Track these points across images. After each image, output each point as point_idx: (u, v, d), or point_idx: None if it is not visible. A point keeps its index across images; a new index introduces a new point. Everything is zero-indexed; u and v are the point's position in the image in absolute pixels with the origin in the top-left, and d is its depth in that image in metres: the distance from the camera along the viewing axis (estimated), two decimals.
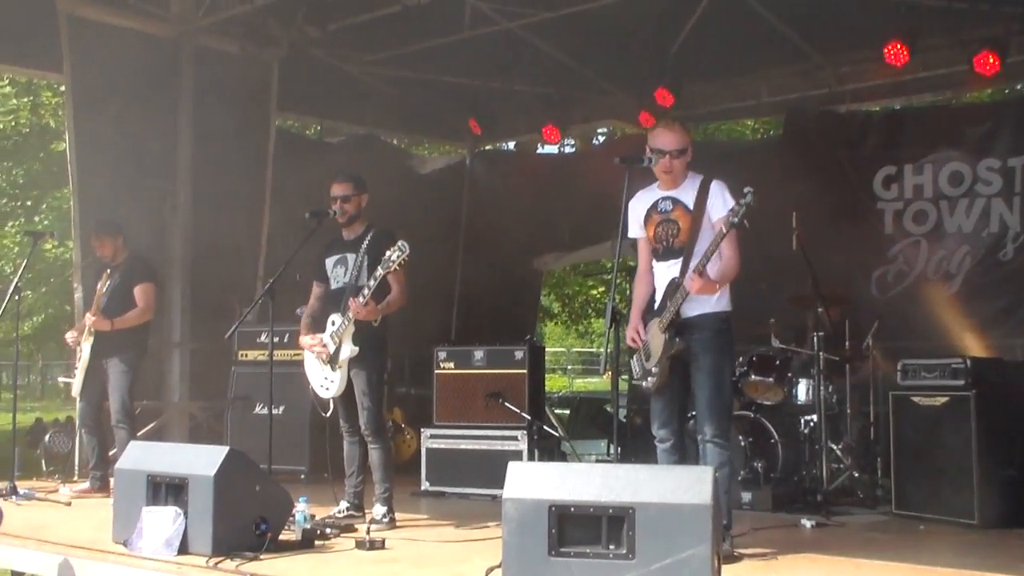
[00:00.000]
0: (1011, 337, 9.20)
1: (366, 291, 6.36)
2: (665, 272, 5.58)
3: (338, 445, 6.90)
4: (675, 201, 5.57)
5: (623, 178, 10.47)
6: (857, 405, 8.04)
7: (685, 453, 5.69)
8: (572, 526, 4.26)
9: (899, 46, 8.94)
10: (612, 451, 10.28)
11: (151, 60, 9.71)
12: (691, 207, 5.49)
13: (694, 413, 5.68)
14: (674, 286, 5.48)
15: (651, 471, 4.52)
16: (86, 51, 9.35)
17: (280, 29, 10.05)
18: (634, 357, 5.73)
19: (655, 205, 5.63)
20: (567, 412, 13.79)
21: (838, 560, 5.36)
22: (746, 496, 7.28)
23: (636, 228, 5.70)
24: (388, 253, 6.23)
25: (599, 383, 32.81)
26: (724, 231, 5.26)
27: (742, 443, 7.52)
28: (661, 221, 5.58)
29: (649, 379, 5.58)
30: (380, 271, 6.28)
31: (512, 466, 4.48)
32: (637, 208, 5.67)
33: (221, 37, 10.08)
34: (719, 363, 5.50)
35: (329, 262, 6.83)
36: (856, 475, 7.73)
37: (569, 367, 38.94)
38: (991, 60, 8.93)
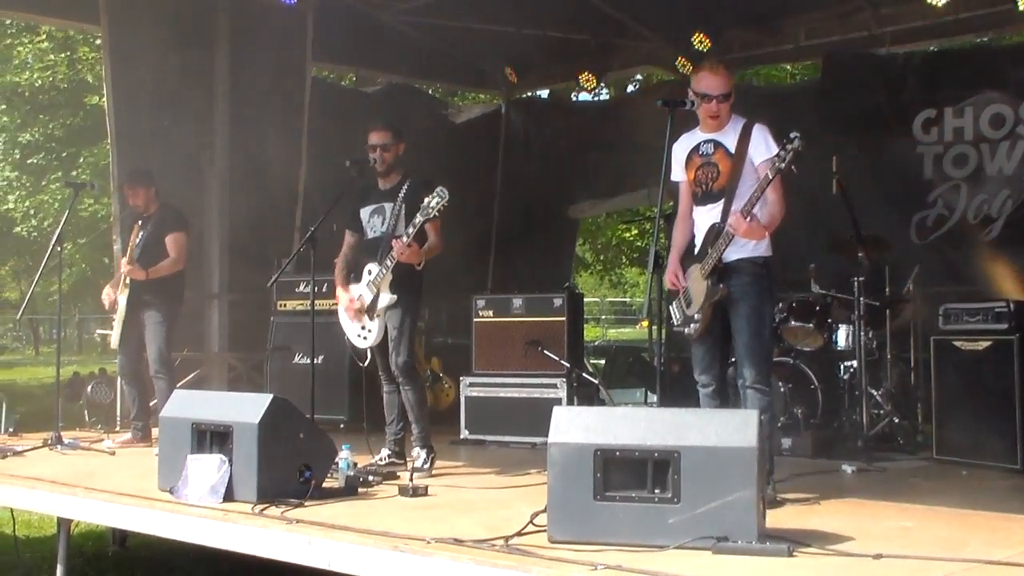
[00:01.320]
0: None
1: (405, 238, 6.36)
2: (705, 216, 5.53)
3: (375, 395, 6.98)
4: (716, 144, 5.49)
5: (659, 125, 10.43)
6: (897, 351, 8.00)
7: (727, 398, 5.67)
8: (617, 470, 4.27)
9: None
10: (648, 399, 10.34)
11: (187, 10, 9.76)
12: (732, 150, 5.41)
13: (734, 359, 5.63)
14: (715, 231, 5.42)
15: (696, 415, 4.52)
16: (122, 3, 9.38)
17: None
18: (673, 303, 5.71)
19: (696, 148, 5.56)
20: (602, 361, 13.78)
21: (881, 504, 5.35)
22: (786, 442, 7.28)
23: (678, 171, 5.64)
24: (427, 200, 6.23)
25: (633, 332, 32.93)
26: (770, 176, 5.15)
27: (782, 389, 7.51)
28: (702, 164, 5.52)
29: (692, 326, 5.54)
30: (419, 218, 6.28)
31: (557, 411, 4.50)
32: (679, 151, 5.62)
33: None
34: (759, 308, 5.43)
35: (365, 212, 6.82)
36: (896, 421, 7.70)
37: (603, 317, 38.98)
38: None
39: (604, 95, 17.21)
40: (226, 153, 10.11)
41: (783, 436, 7.28)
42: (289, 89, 10.41)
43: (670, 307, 5.74)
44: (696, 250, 5.58)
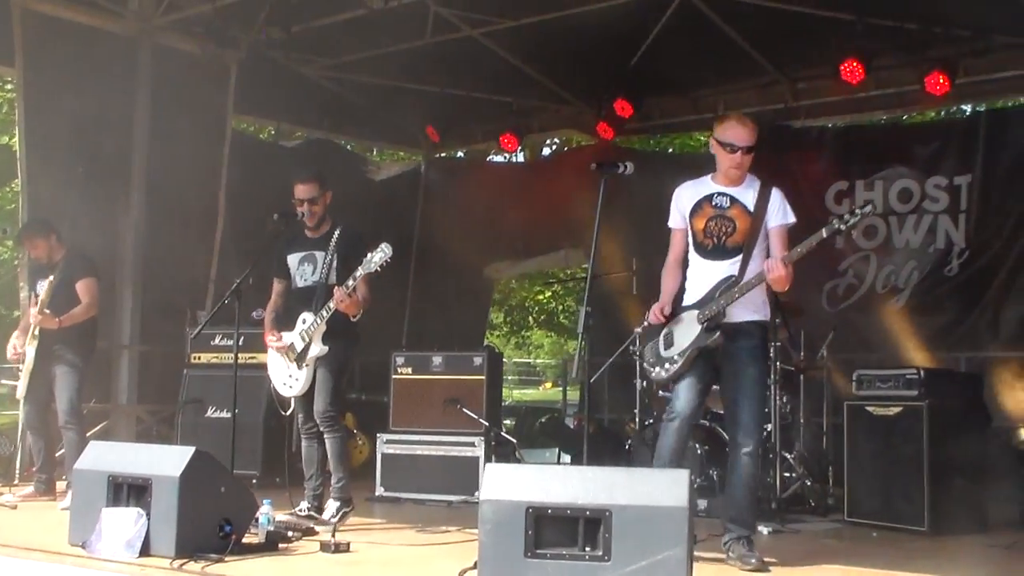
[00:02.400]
0: (956, 350, 9.39)
1: (345, 288, 6.32)
2: (710, 269, 5.46)
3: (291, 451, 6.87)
4: (733, 199, 5.43)
5: (577, 188, 10.62)
6: (809, 415, 8.16)
7: (686, 438, 5.61)
8: (549, 528, 4.28)
9: (855, 64, 9.09)
10: (561, 459, 10.37)
11: (107, 58, 9.63)
12: (751, 208, 5.38)
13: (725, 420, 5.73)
14: (729, 282, 5.37)
15: (627, 473, 4.57)
16: (40, 46, 9.21)
17: (241, 30, 9.95)
18: (648, 344, 5.67)
19: (709, 198, 5.46)
20: (509, 421, 13.80)
21: (798, 569, 5.42)
22: (702, 503, 7.34)
23: (678, 218, 5.58)
24: (370, 255, 6.24)
25: (537, 393, 32.97)
26: (824, 235, 5.15)
27: (698, 451, 7.59)
28: (715, 216, 5.42)
29: (667, 366, 5.49)
30: (360, 271, 6.27)
31: (490, 467, 4.51)
32: (684, 198, 5.55)
33: (180, 36, 9.98)
34: (764, 374, 5.53)
35: (293, 259, 6.80)
36: (808, 483, 7.83)
37: (508, 377, 39.02)
38: (941, 80, 9.13)
39: (520, 156, 17.39)
40: (142, 202, 9.93)
41: (699, 497, 7.34)
42: (209, 140, 10.29)
43: (642, 348, 5.80)
44: (693, 300, 5.52)
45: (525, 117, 11.64)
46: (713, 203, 5.43)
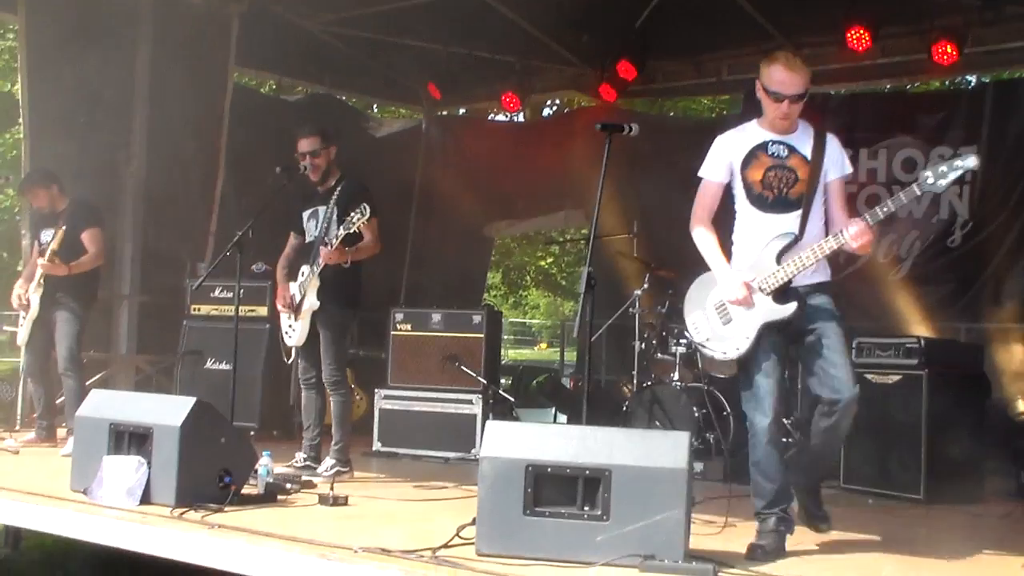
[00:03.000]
0: (956, 320, 9.42)
1: (334, 241, 6.43)
2: (770, 224, 4.80)
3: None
4: (791, 148, 4.81)
5: (579, 149, 10.58)
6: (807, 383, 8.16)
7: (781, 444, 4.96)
8: (548, 486, 4.30)
9: (861, 31, 9.05)
10: (558, 419, 10.41)
11: (110, 8, 9.54)
12: (809, 157, 4.78)
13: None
14: (789, 241, 4.73)
15: (627, 435, 4.59)
16: None
17: None
18: (692, 314, 4.98)
19: (764, 146, 4.83)
20: (506, 380, 13.83)
21: (796, 529, 5.44)
22: (699, 466, 7.37)
23: (721, 169, 4.89)
24: (352, 214, 6.28)
25: (531, 353, 33.09)
26: (918, 192, 4.56)
27: (695, 414, 7.62)
28: (774, 166, 4.79)
29: (731, 345, 4.78)
30: (341, 230, 6.34)
31: (490, 425, 4.52)
32: (730, 147, 4.90)
33: None
34: (846, 334, 4.83)
35: (305, 214, 6.89)
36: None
37: (504, 337, 39.08)
38: (949, 50, 9.07)
39: (521, 116, 17.33)
40: (143, 153, 9.92)
41: (696, 460, 7.37)
42: (210, 93, 10.26)
43: (688, 326, 5.03)
44: (748, 261, 4.86)
45: (528, 77, 11.55)
46: (769, 152, 4.82)
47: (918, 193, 4.54)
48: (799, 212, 4.75)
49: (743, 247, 4.88)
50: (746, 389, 4.84)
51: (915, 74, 10.41)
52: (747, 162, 4.84)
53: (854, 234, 4.56)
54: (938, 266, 9.77)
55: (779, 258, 4.72)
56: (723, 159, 4.89)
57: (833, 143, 4.84)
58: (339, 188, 6.70)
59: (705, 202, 4.95)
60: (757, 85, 4.81)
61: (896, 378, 6.85)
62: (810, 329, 4.73)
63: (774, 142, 4.82)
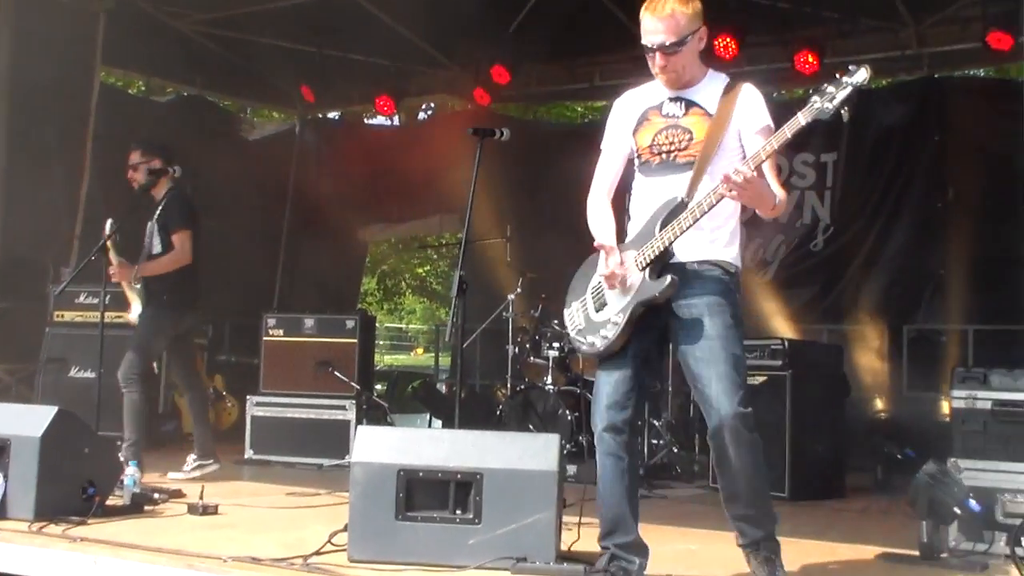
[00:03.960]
0: (819, 322, 9.75)
1: (151, 253, 6.93)
2: (656, 189, 4.13)
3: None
4: (689, 104, 4.12)
5: (453, 153, 10.60)
6: (678, 384, 8.33)
7: (635, 453, 4.43)
8: (420, 491, 4.32)
9: (728, 39, 9.26)
10: (432, 424, 10.41)
11: None
12: (712, 111, 4.08)
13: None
14: (674, 206, 4.03)
15: (498, 438, 4.62)
16: None
17: None
18: (573, 304, 4.31)
19: (659, 107, 4.17)
20: (381, 386, 13.79)
21: (666, 528, 5.55)
22: (571, 469, 7.45)
23: (618, 137, 4.28)
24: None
25: (408, 359, 33.02)
26: (802, 121, 3.78)
27: (569, 417, 7.70)
28: (666, 128, 4.12)
29: (601, 334, 4.10)
30: (157, 244, 6.95)
31: (361, 430, 4.52)
32: (626, 109, 4.28)
33: None
34: (734, 327, 4.02)
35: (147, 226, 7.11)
36: (675, 451, 8.02)
37: (380, 342, 38.89)
38: (811, 59, 9.39)
39: (396, 120, 17.28)
40: (3, 152, 9.58)
41: (569, 463, 7.46)
42: (75, 91, 9.96)
43: (564, 311, 4.36)
44: (632, 235, 4.20)
45: (402, 80, 11.54)
46: (663, 111, 4.15)
47: (802, 122, 3.77)
48: (688, 174, 4.04)
49: (633, 220, 4.23)
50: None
51: (780, 83, 10.67)
52: (639, 125, 4.21)
53: (725, 179, 3.79)
54: (802, 269, 10.08)
55: (661, 226, 4.02)
56: (617, 124, 4.29)
57: (748, 93, 4.10)
58: (163, 202, 6.88)
59: (601, 174, 4.33)
60: None
61: (761, 379, 7.02)
62: (688, 331, 4.01)
63: (671, 99, 4.15)
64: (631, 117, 4.24)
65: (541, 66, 11.27)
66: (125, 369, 6.78)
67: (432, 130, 13.88)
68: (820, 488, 6.90)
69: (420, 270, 25.20)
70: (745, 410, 3.97)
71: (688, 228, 3.94)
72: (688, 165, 4.07)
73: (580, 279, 4.35)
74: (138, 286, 6.90)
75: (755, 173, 3.78)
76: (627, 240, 4.18)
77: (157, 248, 6.88)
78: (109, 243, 6.77)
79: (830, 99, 3.75)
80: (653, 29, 4.03)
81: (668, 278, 3.96)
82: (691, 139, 4.08)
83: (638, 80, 4.32)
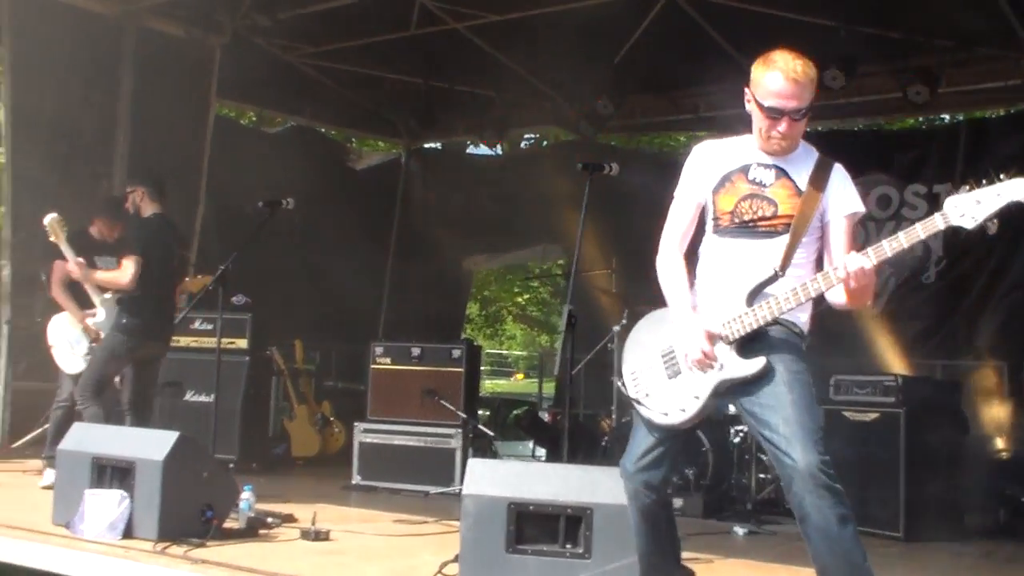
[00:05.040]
0: (931, 357, 9.50)
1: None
2: (734, 253, 3.82)
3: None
4: (780, 172, 3.83)
5: (555, 184, 10.65)
6: None
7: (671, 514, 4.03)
8: (530, 524, 4.36)
9: (837, 71, 9.16)
10: (536, 452, 10.43)
11: (93, 39, 9.63)
12: (802, 187, 3.79)
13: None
14: (770, 277, 3.71)
15: (608, 473, 4.60)
16: (28, 25, 9.21)
17: (226, 15, 9.96)
18: (635, 368, 3.95)
19: (744, 170, 3.86)
20: (484, 412, 13.85)
21: (775, 567, 5.50)
22: (677, 502, 7.41)
23: (697, 187, 3.91)
24: None
25: (508, 384, 33.06)
26: (941, 226, 3.44)
27: None
28: (751, 195, 3.82)
29: (679, 409, 3.78)
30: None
31: (472, 462, 4.57)
32: (709, 162, 3.92)
33: (165, 19, 10.00)
34: (803, 373, 3.70)
35: None
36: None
37: (481, 368, 39.02)
38: (922, 90, 9.23)
39: (498, 149, 17.43)
40: (123, 185, 9.90)
41: (675, 497, 7.41)
42: (191, 124, 10.34)
43: (626, 372, 3.98)
44: (702, 295, 3.89)
45: (507, 111, 11.66)
46: (750, 176, 3.85)
47: (940, 227, 3.44)
48: (784, 240, 3.74)
49: (704, 282, 3.90)
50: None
51: (890, 113, 10.55)
52: (723, 184, 3.89)
53: (853, 272, 3.52)
54: (913, 302, 9.86)
55: (750, 299, 3.72)
56: (698, 175, 3.94)
57: (839, 175, 3.86)
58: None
59: (673, 224, 3.97)
60: (747, 93, 3.82)
61: (874, 415, 6.92)
62: (759, 389, 3.68)
63: (759, 164, 3.86)
64: (713, 174, 3.91)
65: (645, 96, 11.28)
66: (80, 386, 6.87)
67: (536, 160, 13.98)
68: (937, 529, 6.72)
69: (520, 299, 25.25)
70: (822, 456, 3.50)
71: (790, 309, 3.66)
72: (768, 234, 3.78)
73: (643, 336, 4.01)
74: (107, 296, 7.04)
75: (875, 266, 3.54)
76: (698, 301, 3.87)
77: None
78: (61, 236, 6.95)
79: (975, 207, 3.41)
80: (788, 93, 3.70)
81: (762, 360, 3.65)
82: (776, 211, 3.79)
83: (741, 112, 3.96)
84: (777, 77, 3.69)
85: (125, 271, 6.85)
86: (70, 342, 7.34)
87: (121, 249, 7.58)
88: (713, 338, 3.72)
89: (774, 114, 3.72)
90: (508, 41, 10.35)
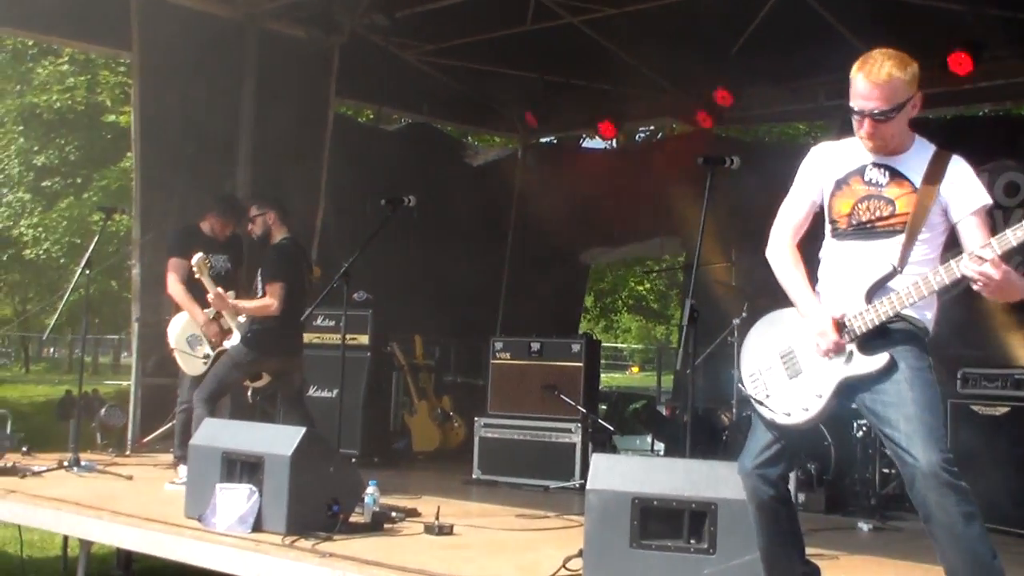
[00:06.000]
0: None
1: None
2: (854, 255, 3.85)
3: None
4: (893, 173, 3.83)
5: (673, 176, 10.58)
6: None
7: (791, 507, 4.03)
8: (654, 519, 4.35)
9: (963, 55, 8.93)
10: (655, 446, 10.40)
11: (217, 42, 9.87)
12: (917, 184, 3.79)
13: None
14: (889, 273, 3.73)
15: (732, 468, 4.55)
16: (155, 30, 9.49)
17: (344, 15, 10.14)
18: (754, 370, 3.99)
19: (860, 172, 3.88)
20: (602, 407, 13.83)
21: (903, 564, 5.40)
22: (800, 497, 7.33)
23: (812, 186, 3.97)
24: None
25: (623, 378, 32.98)
26: None
27: None
28: (868, 197, 3.84)
29: (802, 408, 3.79)
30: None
31: (596, 457, 4.58)
32: (824, 166, 3.96)
33: (286, 21, 10.22)
34: (926, 369, 3.69)
35: None
36: None
37: None
38: None
39: (613, 142, 17.36)
40: (247, 184, 10.17)
41: (797, 491, 7.33)
42: (312, 123, 10.56)
43: (742, 382, 4.03)
44: (822, 296, 3.90)
45: (624, 104, 11.62)
46: (866, 178, 3.87)
47: None
48: (902, 239, 3.74)
49: (825, 285, 3.94)
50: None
51: (1018, 97, 10.21)
52: (838, 188, 3.92)
53: (975, 272, 3.47)
54: None
55: (869, 295, 3.74)
56: (813, 177, 3.98)
57: (957, 168, 3.80)
58: (270, 251, 7.22)
59: (788, 219, 4.02)
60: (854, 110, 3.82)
61: (1004, 410, 6.74)
62: (883, 387, 3.69)
63: (875, 164, 3.86)
64: (829, 177, 3.94)
65: (764, 87, 11.12)
66: (198, 389, 7.02)
67: (653, 152, 13.93)
68: None
69: (640, 288, 25.14)
70: (944, 454, 3.52)
71: (912, 302, 3.64)
72: (886, 233, 3.79)
73: (760, 339, 4.04)
74: (242, 320, 7.06)
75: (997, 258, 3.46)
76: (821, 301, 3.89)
77: (259, 292, 7.06)
78: (205, 273, 7.00)
79: None
80: (866, 94, 3.73)
81: (885, 356, 3.66)
82: (893, 211, 3.79)
83: None
84: (859, 78, 3.73)
85: (272, 301, 6.94)
86: (190, 343, 7.50)
87: (236, 251, 7.90)
88: (840, 327, 3.73)
89: (856, 115, 3.76)
90: (623, 34, 10.32)
